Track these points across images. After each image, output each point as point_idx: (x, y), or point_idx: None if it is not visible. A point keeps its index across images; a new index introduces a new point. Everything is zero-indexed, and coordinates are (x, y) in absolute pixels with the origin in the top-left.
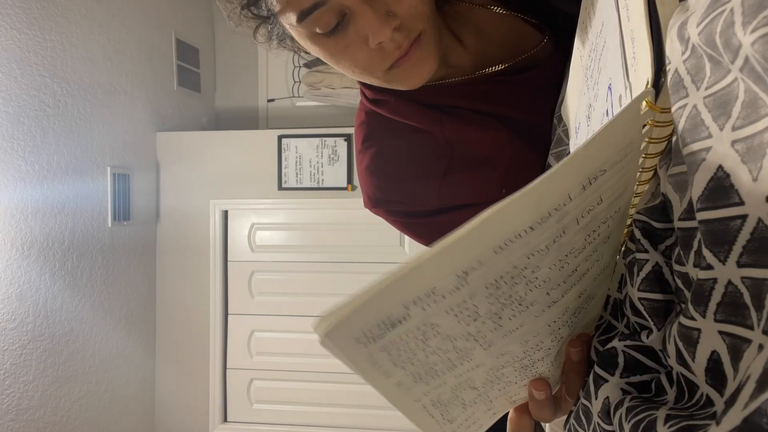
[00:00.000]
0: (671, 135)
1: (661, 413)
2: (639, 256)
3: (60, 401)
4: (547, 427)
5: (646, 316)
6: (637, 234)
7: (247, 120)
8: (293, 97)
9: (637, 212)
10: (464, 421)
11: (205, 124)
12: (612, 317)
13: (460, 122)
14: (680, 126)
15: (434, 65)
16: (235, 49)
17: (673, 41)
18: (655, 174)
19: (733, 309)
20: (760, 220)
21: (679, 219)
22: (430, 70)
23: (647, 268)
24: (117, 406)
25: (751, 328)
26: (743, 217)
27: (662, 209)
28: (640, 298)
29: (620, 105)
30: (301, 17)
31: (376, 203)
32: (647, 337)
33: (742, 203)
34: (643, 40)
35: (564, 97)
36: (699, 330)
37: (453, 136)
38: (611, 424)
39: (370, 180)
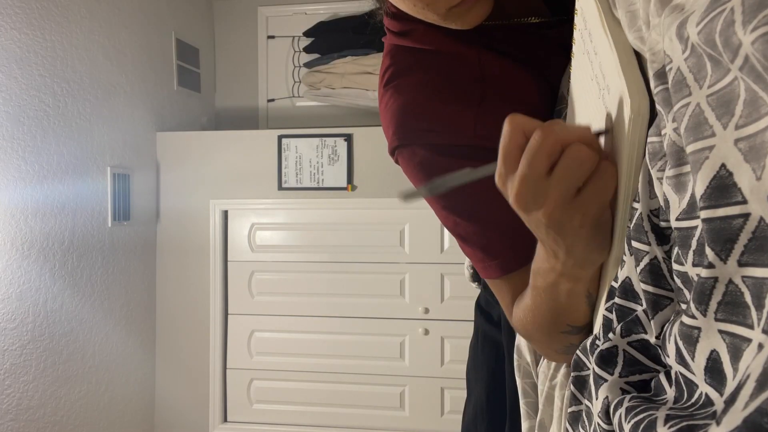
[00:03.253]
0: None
1: (661, 413)
2: (641, 247)
3: (60, 401)
4: (555, 427)
5: (643, 302)
6: (646, 226)
7: (247, 120)
8: (293, 97)
9: (650, 211)
10: None
11: (205, 124)
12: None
13: (497, 57)
14: (683, 125)
15: (490, 6)
16: (235, 49)
17: (672, 40)
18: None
19: (733, 308)
20: (762, 219)
21: (677, 219)
22: (487, 10)
23: (645, 261)
24: (117, 406)
25: (751, 327)
26: (745, 216)
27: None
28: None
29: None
30: None
31: (403, 136)
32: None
33: (744, 202)
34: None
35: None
36: (699, 329)
37: (488, 68)
38: (611, 424)
39: (398, 111)
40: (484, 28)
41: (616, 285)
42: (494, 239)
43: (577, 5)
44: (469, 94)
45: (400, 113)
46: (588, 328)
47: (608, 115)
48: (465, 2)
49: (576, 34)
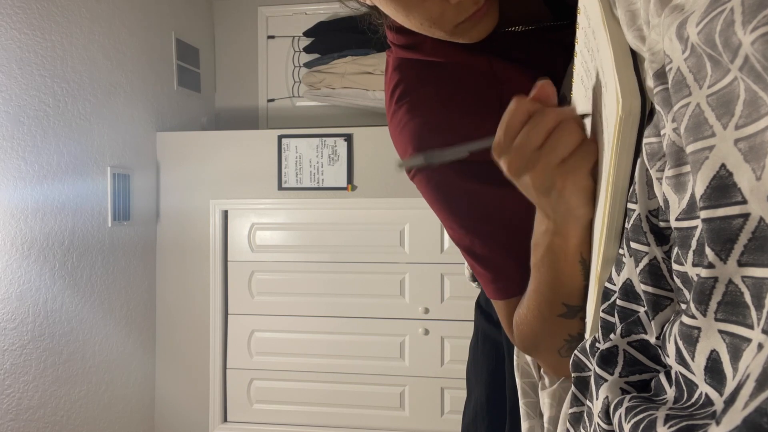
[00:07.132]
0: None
1: (661, 413)
2: (640, 248)
3: (60, 401)
4: (558, 428)
5: (644, 302)
6: (645, 227)
7: (247, 120)
8: (293, 97)
9: (649, 211)
10: None
11: (205, 124)
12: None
13: (506, 63)
14: (683, 125)
15: (497, 19)
16: (235, 49)
17: (672, 40)
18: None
19: (733, 308)
20: (761, 219)
21: (677, 219)
22: (493, 24)
23: (645, 261)
24: (117, 406)
25: (751, 327)
26: (745, 216)
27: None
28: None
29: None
30: None
31: (421, 152)
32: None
33: (744, 202)
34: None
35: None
36: (699, 329)
37: (501, 73)
38: (611, 423)
39: (416, 129)
40: (491, 36)
41: (612, 287)
42: (508, 261)
43: (580, 4)
44: (487, 101)
45: (419, 132)
46: (582, 314)
47: (592, 99)
48: (471, 18)
49: (579, 33)
